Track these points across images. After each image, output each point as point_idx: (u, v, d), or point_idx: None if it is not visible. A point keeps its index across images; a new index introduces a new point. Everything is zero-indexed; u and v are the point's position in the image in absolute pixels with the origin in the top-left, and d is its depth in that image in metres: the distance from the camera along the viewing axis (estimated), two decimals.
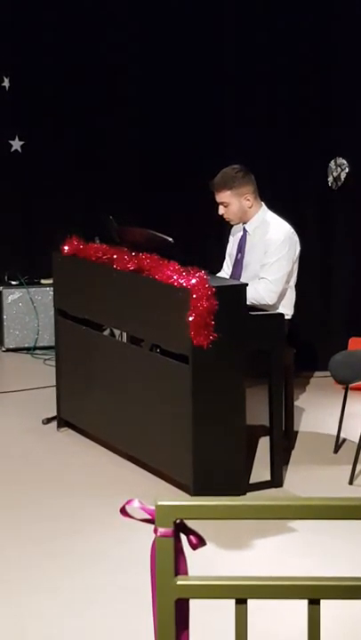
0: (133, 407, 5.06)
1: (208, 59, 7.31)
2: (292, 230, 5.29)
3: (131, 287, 5.01)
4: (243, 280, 5.18)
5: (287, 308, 5.28)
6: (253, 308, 4.99)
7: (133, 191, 7.67)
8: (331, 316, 6.97)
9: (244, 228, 5.40)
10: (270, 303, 5.16)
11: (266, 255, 5.22)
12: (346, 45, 6.69)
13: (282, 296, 5.23)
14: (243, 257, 5.38)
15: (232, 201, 5.30)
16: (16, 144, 7.73)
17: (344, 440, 5.46)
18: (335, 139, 6.81)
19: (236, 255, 5.43)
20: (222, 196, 5.31)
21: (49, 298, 7.14)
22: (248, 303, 4.90)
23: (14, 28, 7.59)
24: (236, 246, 5.46)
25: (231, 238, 5.59)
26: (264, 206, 5.38)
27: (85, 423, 5.59)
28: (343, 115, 6.75)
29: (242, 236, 5.42)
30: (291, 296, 5.32)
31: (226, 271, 5.56)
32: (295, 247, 5.27)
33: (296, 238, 5.28)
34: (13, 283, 7.63)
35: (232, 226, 5.54)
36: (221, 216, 5.41)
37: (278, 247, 5.19)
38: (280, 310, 5.18)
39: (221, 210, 5.36)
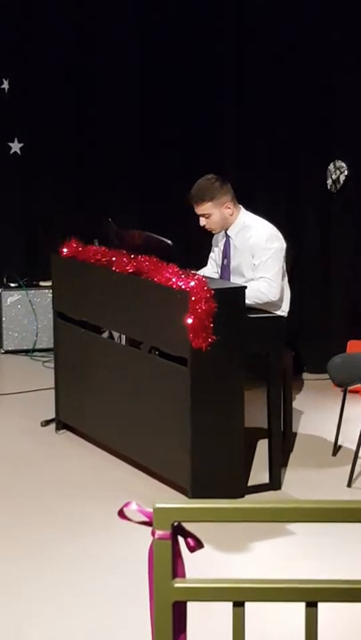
0: (132, 409, 5.06)
1: (208, 59, 7.33)
2: (274, 227, 5.29)
3: (129, 289, 5.01)
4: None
5: (284, 305, 5.29)
6: (252, 309, 4.99)
7: (133, 193, 7.67)
8: (330, 319, 6.97)
9: (226, 234, 5.39)
10: (274, 299, 5.15)
11: (255, 257, 5.21)
12: (346, 47, 6.68)
13: (281, 293, 5.23)
14: (229, 262, 5.38)
15: (213, 212, 5.28)
16: (15, 146, 7.74)
17: (342, 443, 5.46)
18: (334, 142, 6.81)
19: (222, 261, 5.43)
20: (203, 208, 5.28)
21: (48, 300, 7.15)
22: (251, 303, 4.90)
23: (14, 30, 7.59)
24: (220, 253, 5.46)
25: (215, 247, 5.57)
26: (243, 209, 5.37)
27: (84, 425, 5.59)
28: (343, 117, 6.75)
29: (225, 242, 5.40)
30: (286, 292, 5.32)
31: (210, 270, 5.55)
32: (281, 242, 5.27)
33: (279, 235, 5.28)
34: (12, 285, 7.63)
35: (212, 235, 5.53)
36: (203, 227, 5.39)
37: (265, 246, 5.20)
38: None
39: (203, 221, 5.33)
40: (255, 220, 5.34)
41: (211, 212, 5.29)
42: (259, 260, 5.20)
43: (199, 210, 5.31)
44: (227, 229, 5.36)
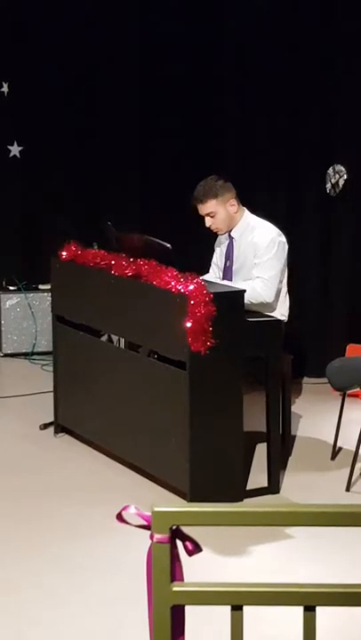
0: (131, 413, 5.05)
1: (207, 64, 7.33)
2: (279, 231, 5.28)
3: (129, 293, 5.01)
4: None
5: (283, 310, 5.28)
6: (251, 312, 4.98)
7: (132, 197, 7.67)
8: (329, 323, 6.97)
9: (230, 235, 5.37)
10: (268, 301, 5.13)
11: (257, 255, 5.20)
12: (346, 49, 6.69)
13: (277, 296, 5.22)
14: (231, 264, 5.36)
15: (219, 209, 5.27)
16: (14, 149, 7.74)
17: (341, 446, 5.46)
18: (334, 145, 6.82)
19: (225, 263, 5.42)
20: (208, 207, 5.27)
21: (47, 303, 7.15)
22: (246, 302, 4.89)
23: (14, 33, 7.60)
24: (223, 255, 5.45)
25: (217, 249, 5.56)
26: (247, 211, 5.37)
27: (83, 429, 5.59)
28: (342, 121, 6.76)
29: (228, 244, 5.39)
30: (285, 298, 5.32)
31: (211, 276, 5.55)
32: (283, 247, 5.26)
33: (283, 239, 5.27)
34: (11, 288, 7.63)
35: (216, 237, 5.52)
36: (208, 228, 5.38)
37: (267, 248, 5.19)
38: (276, 313, 5.18)
39: (208, 222, 5.31)
40: (260, 222, 5.33)
41: (216, 210, 5.27)
42: (260, 259, 5.19)
43: (204, 209, 5.29)
44: (230, 231, 5.35)
